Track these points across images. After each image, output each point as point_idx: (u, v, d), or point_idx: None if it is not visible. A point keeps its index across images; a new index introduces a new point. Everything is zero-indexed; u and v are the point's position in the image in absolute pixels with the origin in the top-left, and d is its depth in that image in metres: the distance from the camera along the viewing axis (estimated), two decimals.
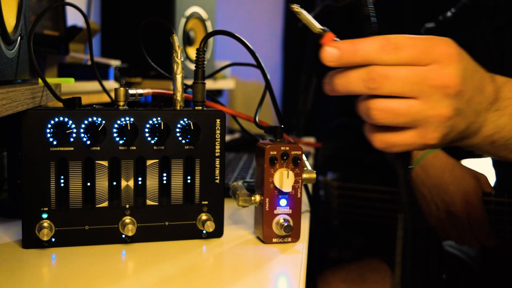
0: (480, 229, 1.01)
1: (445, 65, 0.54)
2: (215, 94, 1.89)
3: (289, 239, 0.64)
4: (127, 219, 0.62)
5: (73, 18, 1.34)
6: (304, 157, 0.65)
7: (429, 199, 1.03)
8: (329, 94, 0.56)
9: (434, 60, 0.54)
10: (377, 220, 1.18)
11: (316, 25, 0.56)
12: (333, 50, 0.54)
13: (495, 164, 1.11)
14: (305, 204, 0.77)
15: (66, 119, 0.59)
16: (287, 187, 0.62)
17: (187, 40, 1.53)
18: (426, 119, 0.54)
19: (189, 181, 0.64)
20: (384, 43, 0.53)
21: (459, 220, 1.01)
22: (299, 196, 0.64)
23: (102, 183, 0.61)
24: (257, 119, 0.70)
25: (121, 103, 0.62)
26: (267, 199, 0.63)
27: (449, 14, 1.21)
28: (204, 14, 1.59)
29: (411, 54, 0.53)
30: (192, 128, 0.62)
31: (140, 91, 0.65)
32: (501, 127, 0.59)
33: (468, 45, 1.13)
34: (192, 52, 1.52)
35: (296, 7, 0.56)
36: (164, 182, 0.63)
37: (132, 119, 0.61)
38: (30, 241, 0.59)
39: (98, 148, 0.60)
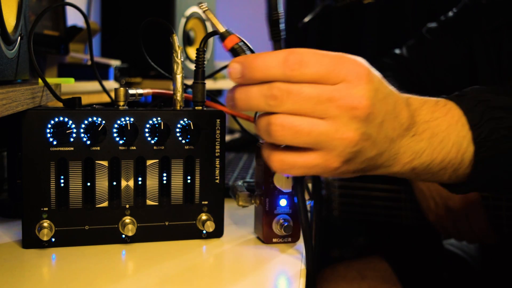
0: (478, 225, 1.01)
1: (354, 85, 0.50)
2: (215, 94, 1.89)
3: (289, 239, 0.64)
4: (127, 219, 0.62)
5: (73, 18, 1.34)
6: None
7: (427, 195, 1.03)
8: (230, 110, 0.53)
9: (342, 79, 0.49)
10: (378, 218, 1.18)
11: (221, 26, 0.54)
12: (236, 66, 0.51)
13: None
14: None
15: (66, 119, 0.59)
16: (287, 187, 0.62)
17: (187, 40, 1.53)
18: (331, 142, 0.50)
19: (189, 181, 0.64)
20: (288, 57, 0.49)
21: (458, 215, 1.01)
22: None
23: (102, 183, 0.61)
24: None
25: (121, 103, 0.62)
26: (267, 199, 0.63)
27: (450, 14, 1.21)
28: (204, 14, 1.59)
29: (317, 71, 0.49)
30: (192, 128, 0.62)
31: (140, 91, 0.65)
32: (420, 152, 0.55)
33: (468, 45, 1.14)
34: (192, 52, 1.52)
35: (204, 6, 0.54)
36: (164, 182, 0.63)
37: (132, 119, 0.61)
38: (30, 241, 0.59)
39: (98, 148, 0.60)
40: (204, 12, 0.55)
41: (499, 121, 0.56)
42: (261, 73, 0.50)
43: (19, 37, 0.62)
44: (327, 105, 0.49)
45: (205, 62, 0.66)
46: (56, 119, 0.58)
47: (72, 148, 0.59)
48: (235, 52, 0.53)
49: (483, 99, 0.57)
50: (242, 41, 0.54)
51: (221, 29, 0.54)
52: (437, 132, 0.55)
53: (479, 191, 0.59)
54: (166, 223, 0.64)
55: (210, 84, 1.65)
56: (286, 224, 0.63)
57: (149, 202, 0.63)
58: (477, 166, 0.56)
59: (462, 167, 0.56)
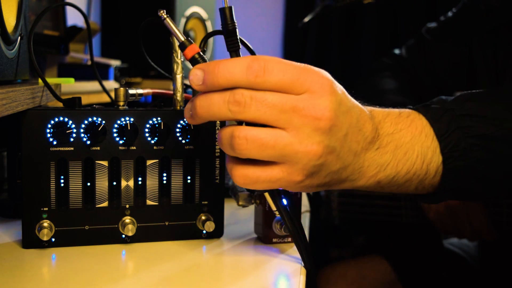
0: (478, 222, 1.01)
1: (318, 96, 0.49)
2: None
3: (289, 239, 0.64)
4: (127, 219, 0.62)
5: (73, 18, 1.34)
6: None
7: None
8: (189, 121, 0.52)
9: (306, 89, 0.49)
10: (378, 218, 1.19)
11: (180, 36, 0.53)
12: (198, 72, 0.49)
13: None
14: (304, 205, 0.78)
15: (66, 119, 0.59)
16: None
17: None
18: (295, 155, 0.49)
19: (189, 181, 0.64)
20: (252, 64, 0.48)
21: (458, 213, 1.01)
22: (299, 196, 0.64)
23: (102, 183, 0.61)
24: None
25: (121, 103, 0.62)
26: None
27: (450, 14, 1.21)
28: (204, 14, 1.59)
29: (281, 79, 0.48)
30: (192, 128, 0.62)
31: (140, 91, 0.65)
32: (384, 165, 0.54)
33: (467, 45, 1.14)
34: None
35: (163, 13, 0.53)
36: (164, 182, 0.63)
37: (132, 119, 0.61)
38: (30, 241, 0.59)
39: (98, 148, 0.60)
40: (163, 20, 0.53)
41: (466, 129, 0.55)
42: (224, 79, 0.49)
43: (19, 37, 0.62)
44: (291, 115, 0.48)
45: None
46: (56, 119, 0.58)
47: (72, 148, 0.59)
48: (195, 61, 0.52)
49: (449, 107, 0.57)
50: (201, 52, 0.53)
51: (181, 38, 0.53)
52: (401, 144, 0.55)
53: (451, 199, 0.59)
54: (166, 223, 0.64)
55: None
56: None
57: (149, 202, 0.63)
58: (447, 176, 0.56)
59: (428, 177, 0.56)
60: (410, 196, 0.61)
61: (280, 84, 0.49)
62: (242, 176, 0.51)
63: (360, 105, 0.54)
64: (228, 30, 0.53)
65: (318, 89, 0.49)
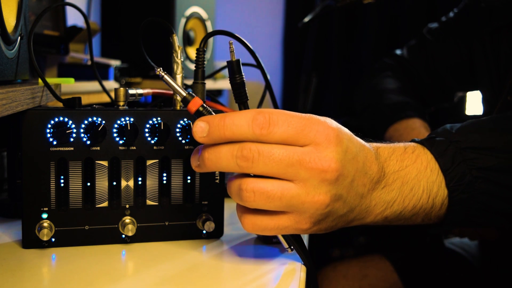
0: None
1: (323, 147, 0.50)
2: (215, 94, 1.89)
3: None
4: (127, 219, 0.62)
5: (73, 18, 1.35)
6: None
7: None
8: (196, 170, 0.53)
9: (311, 141, 0.50)
10: None
11: (182, 91, 0.53)
12: (203, 124, 0.50)
13: None
14: None
15: (66, 119, 0.59)
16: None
17: (187, 40, 1.53)
18: (302, 205, 0.50)
19: (189, 181, 0.64)
20: (257, 116, 0.49)
21: None
22: None
23: (102, 183, 0.61)
24: None
25: (121, 103, 0.62)
26: None
27: (451, 14, 1.21)
28: (204, 14, 1.59)
29: (286, 131, 0.49)
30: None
31: (140, 91, 0.65)
32: (391, 202, 0.55)
33: (468, 46, 1.14)
34: (192, 52, 1.52)
35: (160, 71, 0.53)
36: (164, 182, 0.63)
37: (132, 119, 0.61)
38: (30, 241, 0.59)
39: (98, 148, 0.60)
40: (162, 78, 0.53)
41: (471, 162, 0.56)
42: (230, 132, 0.49)
43: (19, 37, 0.62)
44: (297, 168, 0.49)
45: (205, 62, 0.66)
46: (56, 119, 0.58)
47: (72, 148, 0.59)
48: (200, 114, 0.52)
49: (453, 140, 0.58)
50: (204, 104, 0.53)
51: (183, 93, 0.53)
52: (407, 180, 0.56)
53: (456, 228, 0.60)
54: (166, 223, 0.64)
55: (210, 84, 1.65)
56: None
57: (149, 202, 0.63)
58: (452, 208, 0.57)
59: (434, 210, 0.57)
60: (419, 227, 0.62)
61: (286, 135, 0.49)
62: (251, 224, 0.53)
63: (366, 144, 0.55)
64: (236, 83, 0.55)
65: (323, 140, 0.50)
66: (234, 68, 0.55)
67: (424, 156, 0.57)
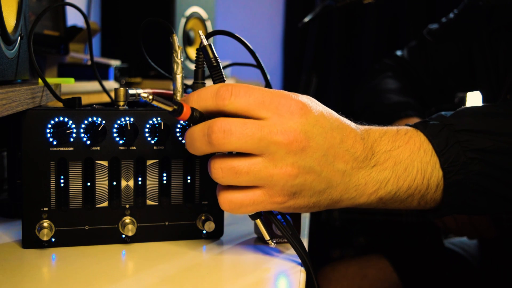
0: (478, 219, 1.01)
1: (286, 119, 0.51)
2: None
3: None
4: (127, 219, 0.62)
5: (73, 18, 1.35)
6: None
7: None
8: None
9: (274, 112, 0.51)
10: (378, 217, 1.19)
11: (170, 107, 0.52)
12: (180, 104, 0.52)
13: None
14: None
15: (66, 119, 0.59)
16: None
17: (187, 40, 1.53)
18: (271, 177, 0.51)
19: (189, 181, 0.64)
20: (220, 89, 0.51)
21: None
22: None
23: (102, 183, 0.61)
24: None
25: (121, 103, 0.62)
26: None
27: (451, 15, 1.21)
28: (204, 14, 1.59)
29: (247, 101, 0.51)
30: None
31: (140, 91, 0.65)
32: (385, 182, 0.55)
33: (468, 47, 1.14)
34: (192, 52, 1.52)
35: (148, 97, 0.51)
36: (164, 182, 0.63)
37: (132, 119, 0.61)
38: (30, 241, 0.59)
39: (98, 148, 0.60)
40: (151, 102, 0.51)
41: (465, 144, 0.56)
42: (196, 104, 0.52)
43: (19, 37, 0.62)
44: (266, 141, 0.50)
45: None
46: (56, 119, 0.58)
47: (72, 148, 0.59)
48: (194, 118, 0.53)
49: (447, 123, 0.58)
50: (193, 107, 0.54)
51: (171, 108, 0.52)
52: (400, 160, 0.56)
53: (455, 213, 0.60)
54: (166, 223, 0.64)
55: (210, 84, 1.65)
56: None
57: (149, 202, 0.63)
58: (448, 190, 0.57)
59: (429, 192, 0.57)
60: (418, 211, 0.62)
61: (246, 105, 0.51)
62: (227, 202, 0.54)
63: (350, 124, 0.55)
64: (213, 66, 0.56)
65: (285, 112, 0.51)
66: (208, 51, 0.56)
67: (417, 138, 0.57)
